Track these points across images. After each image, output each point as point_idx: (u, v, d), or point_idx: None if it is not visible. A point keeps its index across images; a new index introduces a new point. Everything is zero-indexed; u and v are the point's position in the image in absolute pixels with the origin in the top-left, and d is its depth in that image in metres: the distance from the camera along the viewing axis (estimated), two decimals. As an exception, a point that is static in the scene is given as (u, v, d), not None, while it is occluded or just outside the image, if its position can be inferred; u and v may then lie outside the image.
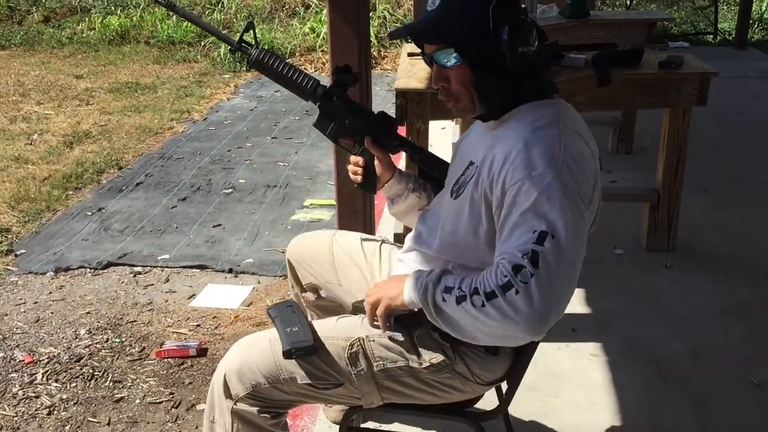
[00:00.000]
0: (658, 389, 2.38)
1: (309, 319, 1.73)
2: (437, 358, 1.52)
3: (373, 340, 1.53)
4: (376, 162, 1.73)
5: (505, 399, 1.66)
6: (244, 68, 7.41)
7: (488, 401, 1.74)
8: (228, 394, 1.53)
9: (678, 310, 2.83)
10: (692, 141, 3.20)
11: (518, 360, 1.58)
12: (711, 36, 8.64)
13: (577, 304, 2.87)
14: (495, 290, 1.24)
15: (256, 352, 1.54)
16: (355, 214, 2.42)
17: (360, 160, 1.73)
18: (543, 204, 1.26)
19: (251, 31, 1.73)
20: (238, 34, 1.72)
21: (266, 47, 1.67)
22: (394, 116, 1.79)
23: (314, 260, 1.90)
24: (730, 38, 8.30)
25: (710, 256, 3.28)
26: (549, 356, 2.51)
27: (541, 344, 1.57)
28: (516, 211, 1.28)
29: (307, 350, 1.48)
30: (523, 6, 1.44)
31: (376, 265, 1.84)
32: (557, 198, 1.26)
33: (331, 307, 1.91)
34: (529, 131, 1.35)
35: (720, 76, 3.09)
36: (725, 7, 9.57)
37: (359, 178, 1.75)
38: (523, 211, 1.27)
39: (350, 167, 1.76)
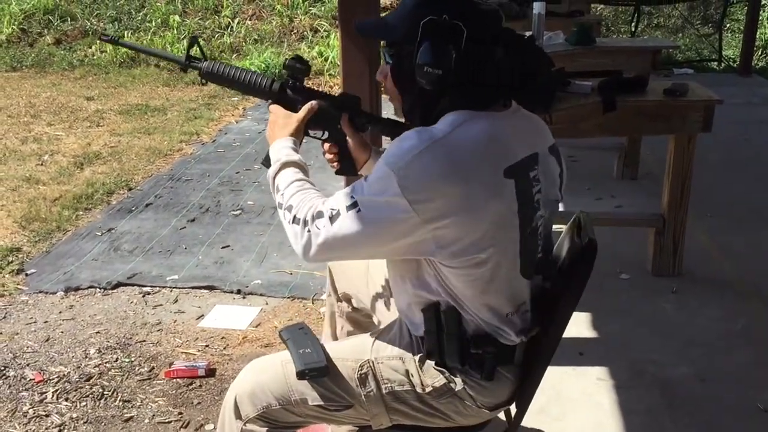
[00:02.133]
0: (665, 413, 2.39)
1: (321, 341, 1.76)
2: (439, 382, 1.53)
3: (382, 363, 1.56)
4: (350, 143, 1.75)
5: (514, 423, 1.67)
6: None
7: (496, 425, 1.75)
8: (238, 415, 1.56)
9: (684, 335, 2.85)
10: (697, 167, 3.24)
11: (526, 384, 1.59)
12: (715, 63, 8.70)
13: (583, 328, 2.89)
14: (301, 218, 1.44)
15: (268, 374, 1.57)
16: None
17: (332, 146, 1.75)
18: (372, 185, 1.36)
19: (196, 47, 1.74)
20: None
21: (215, 59, 1.69)
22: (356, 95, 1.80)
23: (351, 268, 1.97)
24: (735, 65, 8.36)
25: (716, 280, 3.30)
26: (556, 380, 2.52)
27: (547, 368, 1.59)
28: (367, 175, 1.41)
29: (320, 371, 1.50)
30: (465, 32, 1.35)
31: None
32: (382, 187, 1.33)
33: (365, 323, 1.97)
34: (413, 131, 1.39)
35: (725, 102, 3.12)
36: (729, 35, 9.64)
37: (336, 164, 1.78)
38: (363, 178, 1.40)
39: (326, 156, 1.79)
